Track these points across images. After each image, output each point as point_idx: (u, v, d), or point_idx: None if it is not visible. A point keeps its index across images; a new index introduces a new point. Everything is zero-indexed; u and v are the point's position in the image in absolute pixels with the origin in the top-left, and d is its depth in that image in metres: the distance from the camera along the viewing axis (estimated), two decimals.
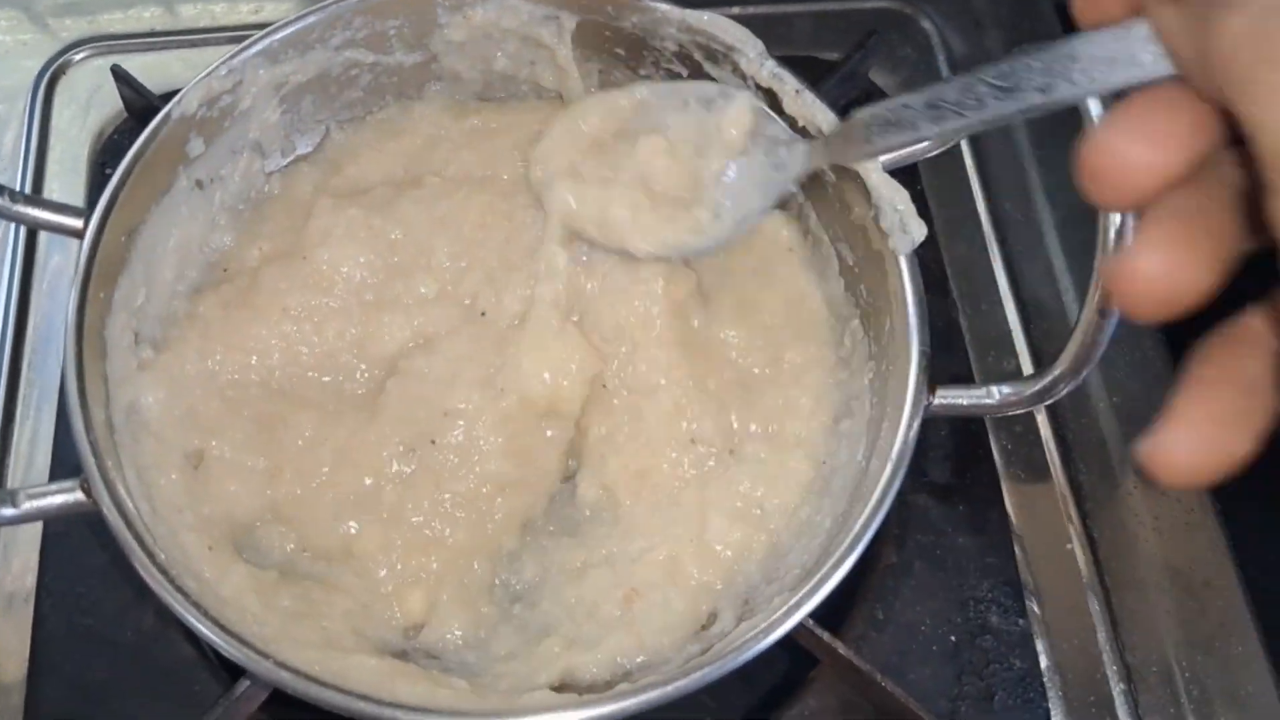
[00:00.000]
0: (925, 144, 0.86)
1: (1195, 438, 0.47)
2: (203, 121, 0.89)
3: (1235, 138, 0.47)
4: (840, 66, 1.11)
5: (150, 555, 0.73)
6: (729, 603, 0.84)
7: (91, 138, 1.17)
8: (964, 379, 1.03)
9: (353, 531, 0.86)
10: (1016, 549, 0.98)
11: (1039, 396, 0.78)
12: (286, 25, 0.91)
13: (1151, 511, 0.99)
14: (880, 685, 0.85)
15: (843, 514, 0.81)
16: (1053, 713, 0.92)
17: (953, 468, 1.00)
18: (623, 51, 0.96)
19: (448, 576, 0.85)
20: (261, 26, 0.92)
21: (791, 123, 0.89)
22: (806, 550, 0.83)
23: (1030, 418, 1.04)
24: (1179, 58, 0.48)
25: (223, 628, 0.72)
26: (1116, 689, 0.94)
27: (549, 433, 0.90)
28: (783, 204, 0.97)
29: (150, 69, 1.15)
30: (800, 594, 0.74)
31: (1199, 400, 0.48)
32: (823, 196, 0.92)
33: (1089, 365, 0.73)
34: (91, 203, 0.84)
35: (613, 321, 0.91)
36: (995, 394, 0.80)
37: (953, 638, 0.93)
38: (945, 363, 1.05)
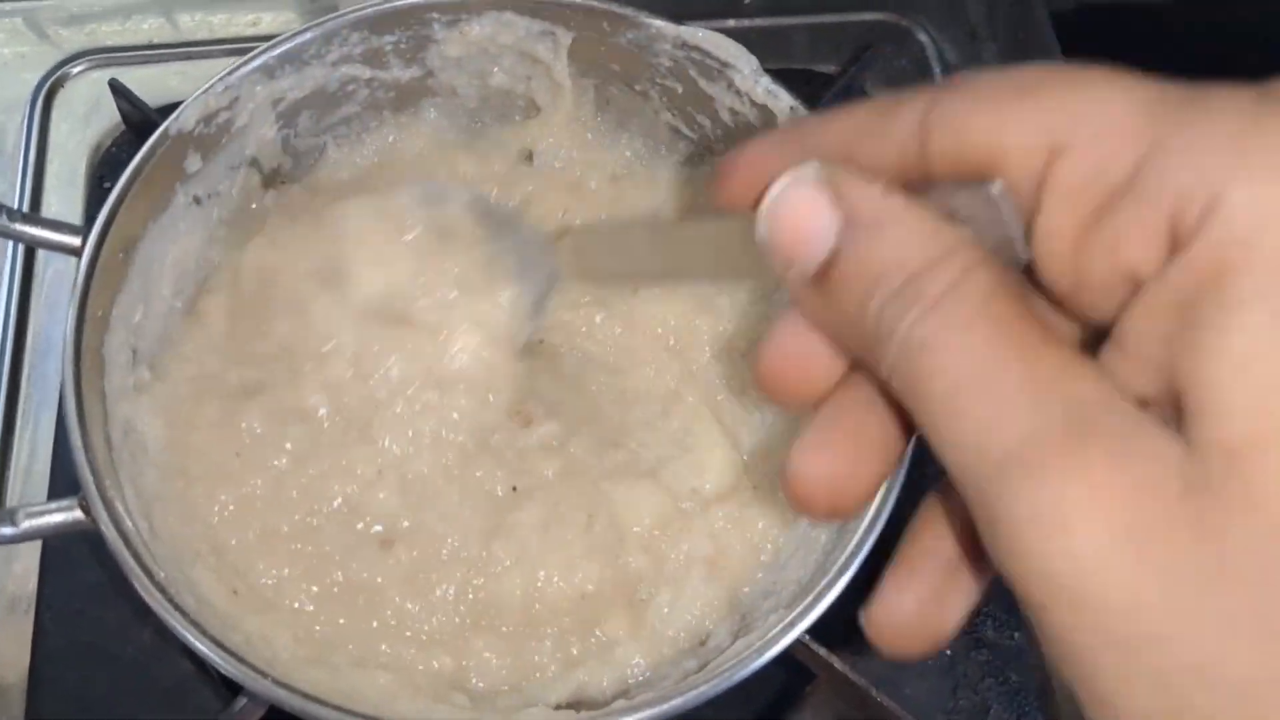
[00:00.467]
0: None
1: (907, 613, 0.50)
2: (200, 138, 0.89)
3: None
4: (837, 80, 1.12)
5: (149, 573, 0.73)
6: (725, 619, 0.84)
7: (89, 150, 1.17)
8: None
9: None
10: None
11: None
12: (284, 41, 0.91)
13: None
14: (876, 700, 0.85)
15: (839, 529, 0.82)
16: None
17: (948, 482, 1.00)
18: (618, 67, 0.97)
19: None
20: (260, 39, 0.93)
21: None
22: (803, 565, 0.83)
23: None
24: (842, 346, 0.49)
25: (221, 646, 0.72)
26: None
27: None
28: None
29: (148, 81, 1.15)
30: (797, 611, 0.74)
31: (907, 579, 0.50)
32: None
33: None
34: (89, 217, 0.85)
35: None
36: None
37: (948, 652, 0.94)
38: None
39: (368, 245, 0.88)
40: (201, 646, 0.71)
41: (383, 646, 0.82)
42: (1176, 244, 0.38)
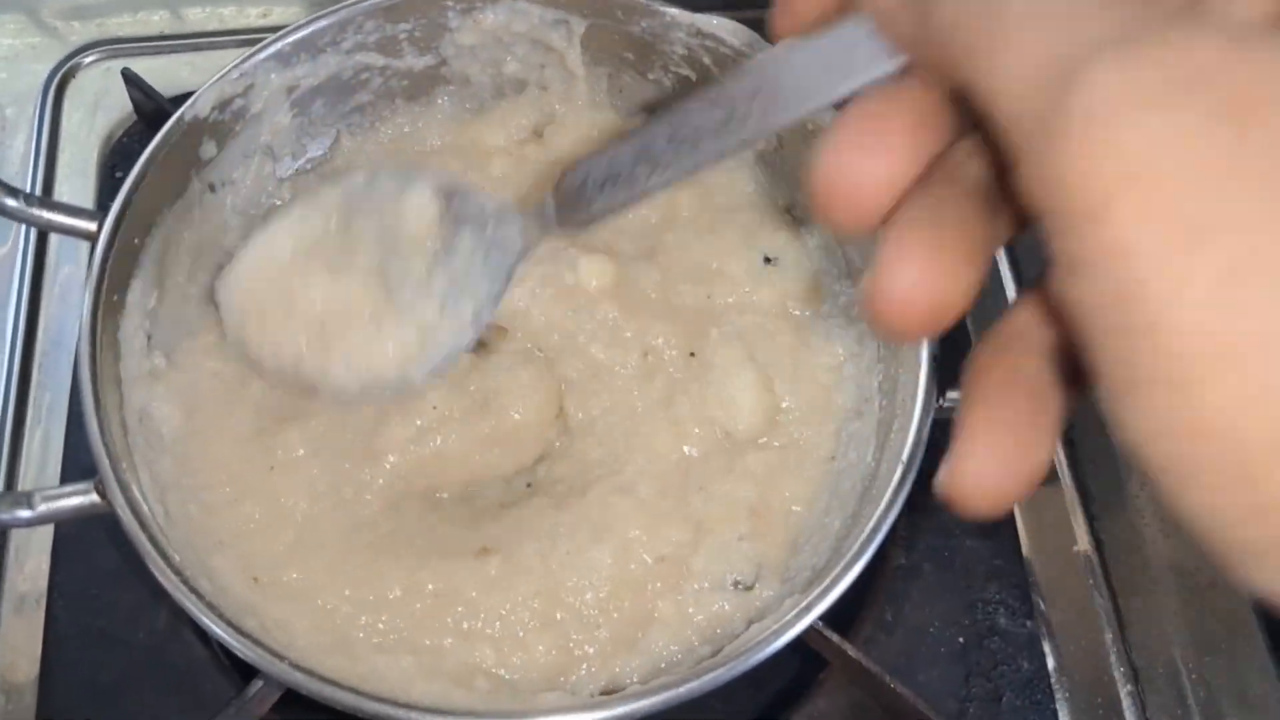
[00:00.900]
0: None
1: (993, 457, 0.44)
2: (215, 125, 0.90)
3: (969, 126, 0.45)
4: None
5: (165, 558, 0.73)
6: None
7: (101, 141, 1.17)
8: None
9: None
10: (1024, 551, 0.98)
11: None
12: (299, 29, 0.92)
13: (1158, 513, 0.99)
14: (889, 687, 0.85)
15: (852, 515, 0.82)
16: (1060, 713, 0.92)
17: None
18: (631, 55, 0.97)
19: None
20: (269, 30, 0.93)
21: (800, 126, 0.89)
22: (816, 552, 0.83)
23: None
24: (901, 45, 0.45)
25: (236, 629, 0.72)
26: (1124, 690, 0.94)
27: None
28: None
29: (158, 72, 1.15)
30: (811, 596, 0.74)
31: (985, 417, 0.44)
32: None
33: None
34: (101, 205, 0.85)
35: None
36: None
37: (961, 639, 0.94)
38: (955, 364, 1.05)
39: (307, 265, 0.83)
40: (217, 629, 0.72)
41: (425, 641, 0.82)
42: None
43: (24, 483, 1.00)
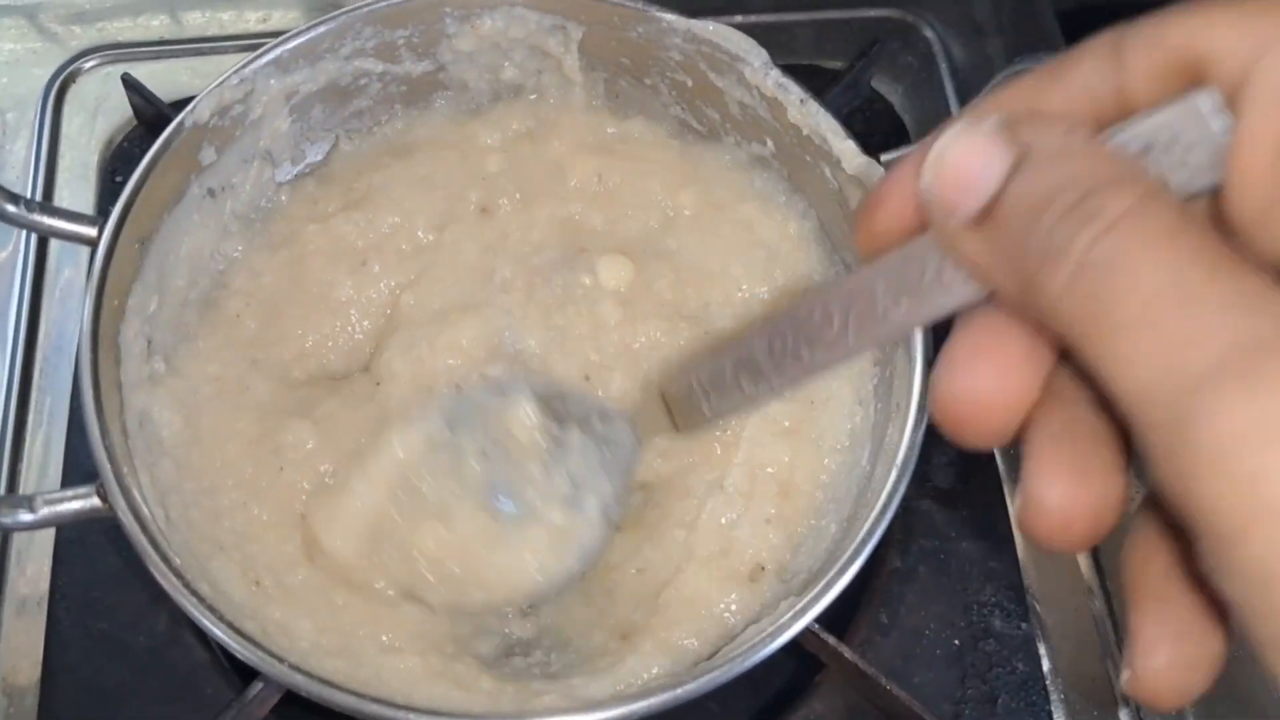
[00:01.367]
0: None
1: (1067, 489, 0.45)
2: (215, 130, 0.90)
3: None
4: (843, 75, 1.12)
5: (166, 560, 0.74)
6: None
7: (101, 146, 1.18)
8: None
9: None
10: (1019, 554, 0.99)
11: None
12: (298, 35, 0.92)
13: (1144, 506, 0.99)
14: (885, 689, 0.85)
15: (848, 519, 0.82)
16: (1055, 715, 0.93)
17: (956, 473, 1.01)
18: (628, 61, 0.97)
19: None
20: (269, 35, 0.94)
21: (796, 132, 0.90)
22: (813, 555, 0.84)
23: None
24: (1004, 302, 0.46)
25: (239, 632, 0.73)
26: (1119, 692, 0.95)
27: None
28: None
29: (158, 77, 1.16)
30: (806, 599, 0.75)
31: (1054, 455, 0.46)
32: (826, 201, 0.93)
33: None
34: (102, 210, 0.85)
35: None
36: None
37: (956, 642, 0.94)
38: None
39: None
40: (217, 631, 0.72)
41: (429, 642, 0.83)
42: None
43: (25, 486, 1.00)
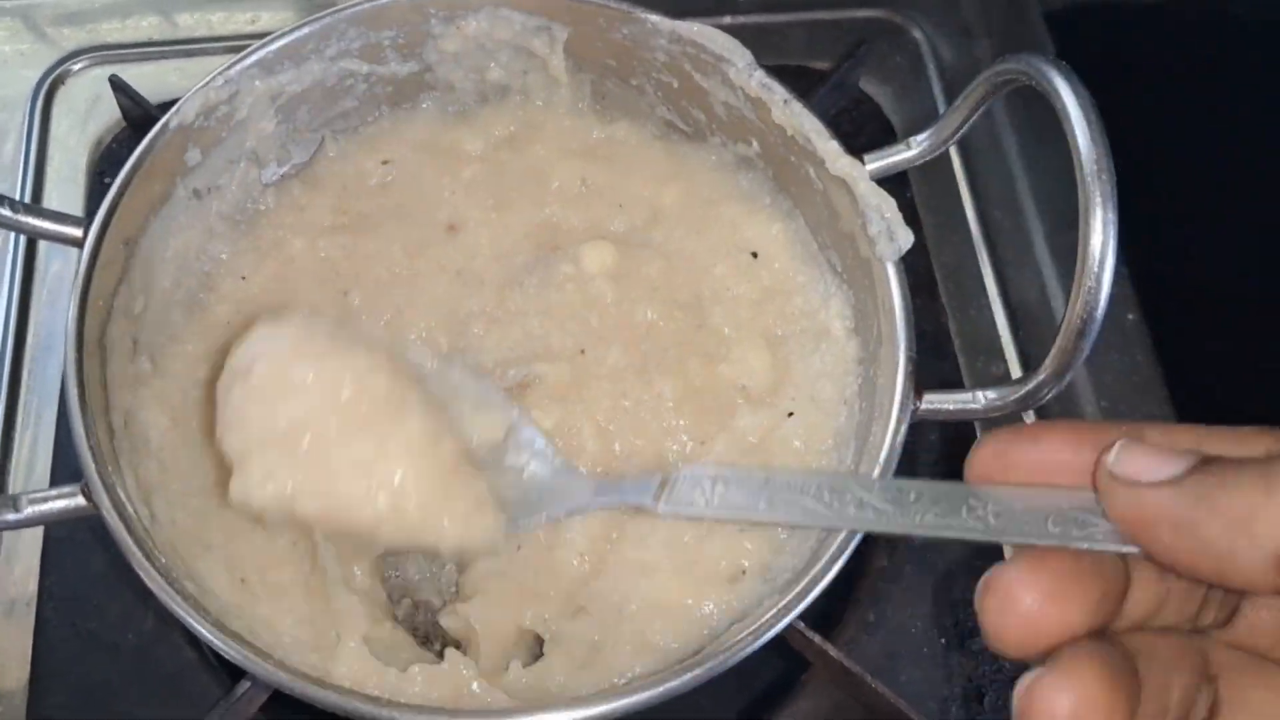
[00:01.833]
0: (914, 152, 0.87)
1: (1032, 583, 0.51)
2: (200, 131, 0.90)
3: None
4: (830, 76, 1.12)
5: (150, 559, 0.74)
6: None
7: (90, 147, 1.18)
8: (953, 384, 1.03)
9: None
10: (1006, 553, 0.99)
11: (1024, 401, 0.79)
12: (282, 36, 0.92)
13: None
14: (871, 687, 0.86)
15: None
16: None
17: (943, 473, 1.01)
18: (614, 62, 0.98)
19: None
20: (258, 36, 0.93)
21: (781, 132, 0.90)
22: (797, 553, 0.84)
23: (1019, 421, 1.05)
24: (1156, 557, 0.50)
25: (223, 629, 0.73)
26: None
27: None
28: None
29: (148, 78, 1.16)
30: (790, 596, 0.75)
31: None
32: (811, 202, 0.93)
33: (1072, 369, 0.74)
34: (90, 211, 0.85)
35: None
36: (980, 399, 0.81)
37: (943, 640, 0.94)
38: (935, 367, 1.06)
39: None
40: (201, 629, 0.72)
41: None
42: None
43: (14, 486, 1.01)
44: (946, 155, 1.18)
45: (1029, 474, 0.56)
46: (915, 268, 0.87)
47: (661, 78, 0.97)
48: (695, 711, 0.90)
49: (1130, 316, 1.07)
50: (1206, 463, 0.49)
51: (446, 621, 0.87)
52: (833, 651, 0.86)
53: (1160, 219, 1.03)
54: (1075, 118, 0.71)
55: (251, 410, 0.76)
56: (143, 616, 0.92)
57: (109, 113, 1.18)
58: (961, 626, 0.95)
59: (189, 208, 0.93)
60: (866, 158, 0.87)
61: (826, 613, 0.94)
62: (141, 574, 0.74)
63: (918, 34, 1.27)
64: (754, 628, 0.74)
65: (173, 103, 0.90)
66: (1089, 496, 0.54)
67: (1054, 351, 0.74)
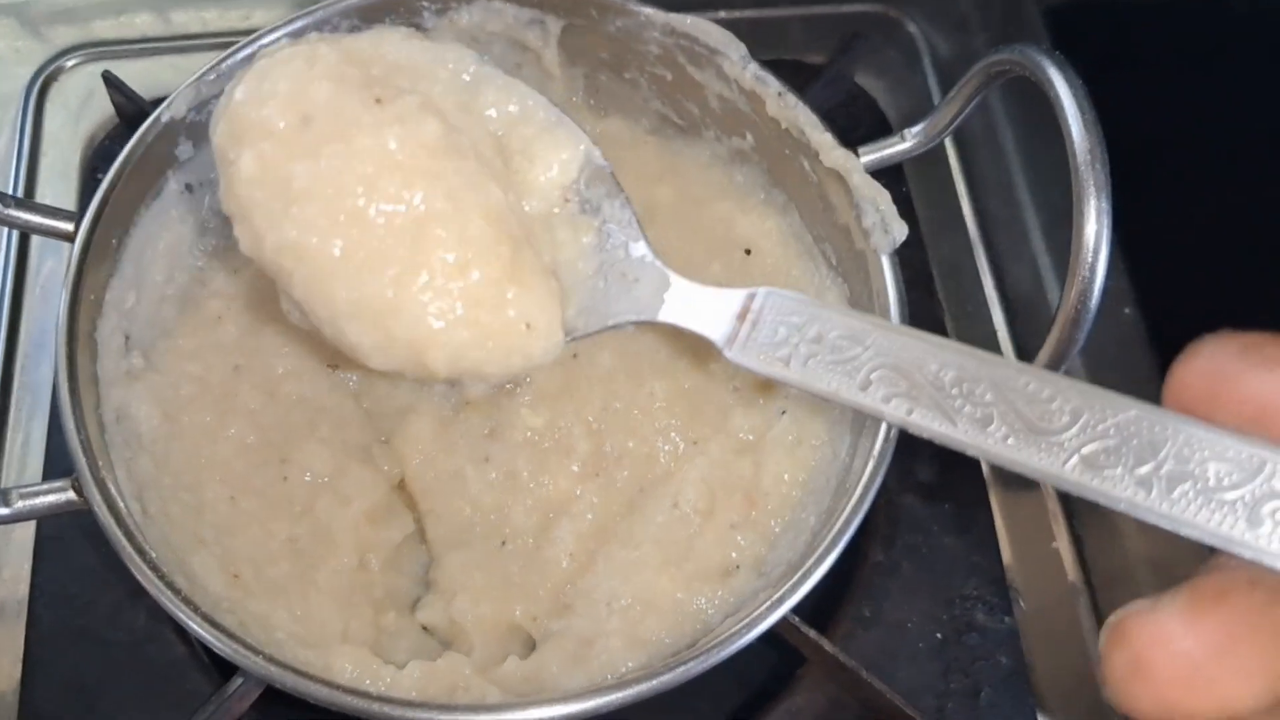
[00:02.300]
0: (908, 144, 0.87)
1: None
2: (192, 125, 0.90)
3: None
4: (825, 69, 1.12)
5: (141, 553, 0.74)
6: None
7: (83, 143, 1.18)
8: None
9: None
10: (1002, 547, 0.99)
11: None
12: (274, 30, 0.92)
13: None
14: (867, 682, 0.85)
15: (827, 511, 0.82)
16: (1038, 709, 0.93)
17: (939, 468, 1.01)
18: (607, 55, 0.97)
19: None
20: (251, 32, 0.93)
21: (775, 125, 0.90)
22: (792, 547, 0.83)
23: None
24: None
25: (214, 624, 0.72)
26: (1103, 686, 0.94)
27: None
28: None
29: (142, 75, 1.16)
30: (783, 589, 0.75)
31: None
32: (805, 196, 0.93)
33: (1067, 360, 0.74)
34: (83, 207, 0.85)
35: None
36: None
37: (939, 635, 0.94)
38: None
39: None
40: (192, 623, 0.72)
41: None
42: None
43: (5, 481, 1.01)
44: (942, 148, 1.19)
45: (1255, 416, 0.41)
46: (911, 261, 0.87)
47: (655, 71, 0.97)
48: (691, 707, 0.90)
49: (1126, 310, 1.06)
50: None
51: (424, 615, 0.87)
52: (828, 647, 0.86)
53: (1158, 213, 1.02)
54: (1069, 108, 0.70)
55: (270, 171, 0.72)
56: (134, 613, 0.92)
57: (102, 109, 1.17)
58: (958, 622, 0.94)
59: (181, 202, 0.92)
60: (861, 150, 0.87)
61: (822, 608, 0.93)
62: (131, 568, 0.74)
63: (913, 28, 1.27)
64: (747, 620, 0.74)
65: (166, 99, 0.90)
66: None
67: (1049, 342, 0.74)
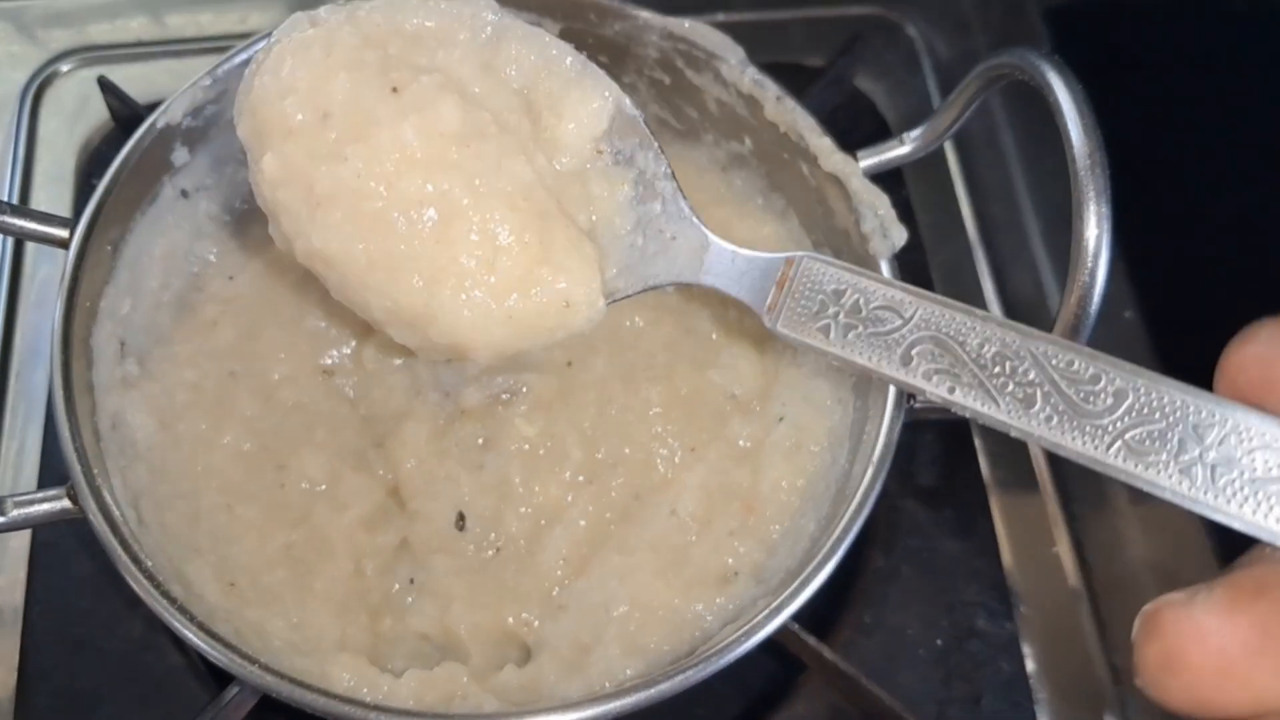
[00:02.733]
0: (908, 148, 0.86)
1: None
2: (188, 131, 0.90)
3: None
4: (824, 72, 1.12)
5: (136, 561, 0.73)
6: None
7: (78, 148, 1.17)
8: None
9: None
10: (1003, 553, 0.98)
11: None
12: (270, 35, 0.91)
13: (1138, 513, 0.99)
14: (867, 689, 0.85)
15: (826, 517, 0.82)
16: (1040, 715, 0.92)
17: (940, 473, 1.00)
18: (606, 59, 0.97)
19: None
20: (247, 36, 0.93)
21: (774, 129, 0.89)
22: (791, 554, 0.83)
23: None
24: None
25: (210, 633, 0.72)
26: (1105, 691, 0.94)
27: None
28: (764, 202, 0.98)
29: (137, 79, 1.16)
30: (783, 596, 0.74)
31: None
32: (804, 200, 0.93)
33: None
34: (78, 212, 0.85)
35: None
36: None
37: (940, 642, 0.94)
38: None
39: None
40: (188, 632, 0.72)
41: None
42: None
43: (0, 490, 1.00)
44: (942, 152, 1.18)
45: None
46: (911, 265, 0.87)
47: (654, 75, 0.96)
48: (691, 715, 0.90)
49: (1127, 314, 1.06)
50: None
51: (415, 621, 0.86)
52: (828, 654, 0.85)
53: (1158, 216, 1.02)
54: (1068, 111, 0.70)
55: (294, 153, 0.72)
56: (130, 622, 0.91)
57: (97, 114, 1.17)
58: (959, 628, 0.94)
59: (177, 208, 0.92)
60: (860, 154, 0.86)
61: (822, 615, 0.93)
62: (127, 577, 0.73)
63: (912, 31, 1.27)
64: (746, 627, 0.74)
65: (162, 103, 0.89)
66: None
67: None
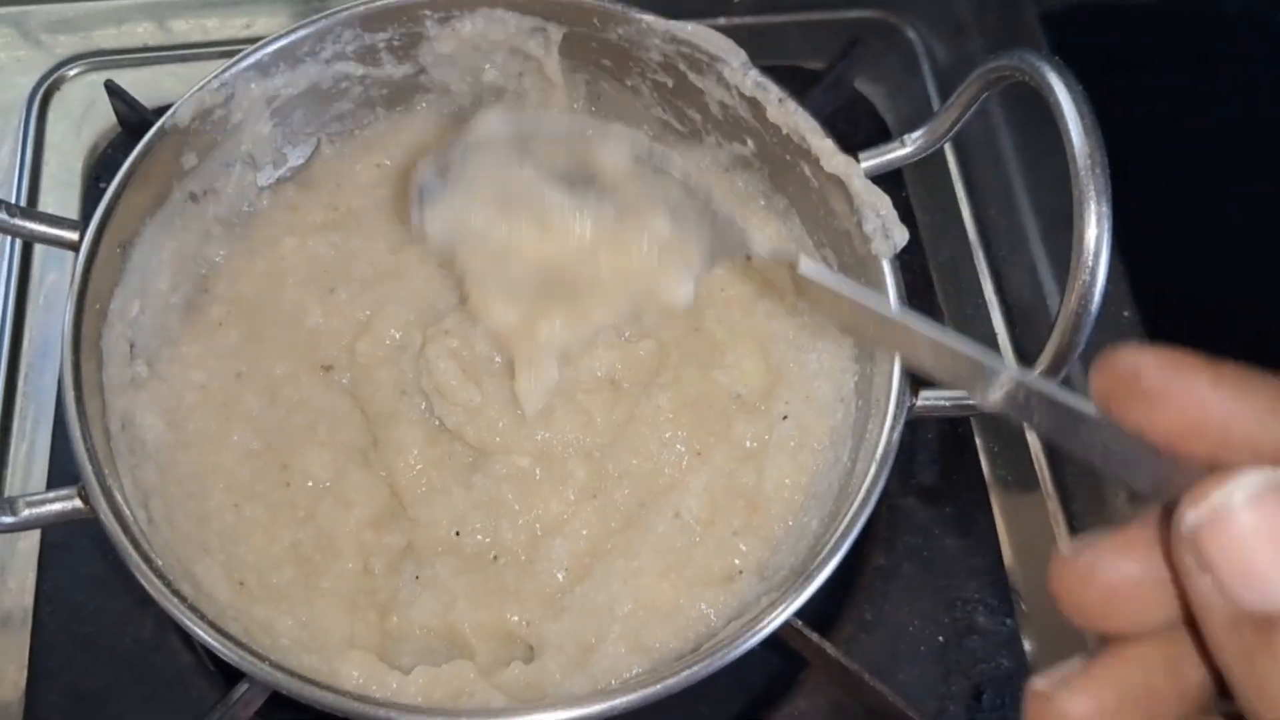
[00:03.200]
0: (908, 150, 0.87)
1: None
2: (196, 134, 0.91)
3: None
4: (825, 75, 1.13)
5: (148, 561, 0.74)
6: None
7: (85, 152, 1.18)
8: None
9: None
10: (1003, 550, 0.99)
11: None
12: (278, 39, 0.92)
13: (1137, 513, 0.99)
14: (869, 685, 0.86)
15: (829, 515, 0.82)
16: None
17: (940, 471, 1.01)
18: (609, 62, 0.98)
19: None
20: (253, 41, 0.94)
21: (776, 131, 0.90)
22: (794, 551, 0.84)
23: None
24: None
25: (220, 631, 0.73)
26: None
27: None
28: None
29: (143, 84, 1.16)
30: (786, 593, 0.75)
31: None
32: (806, 201, 0.93)
33: (1067, 364, 0.74)
34: (86, 216, 0.85)
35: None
36: None
37: (940, 638, 0.94)
38: None
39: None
40: (199, 630, 0.72)
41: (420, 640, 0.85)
42: None
43: (10, 490, 1.00)
44: (942, 154, 1.19)
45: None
46: (911, 265, 0.88)
47: (656, 78, 0.97)
48: (694, 712, 0.91)
49: (1126, 314, 1.07)
50: None
51: (419, 616, 0.86)
52: (830, 650, 0.86)
53: (1156, 217, 1.03)
54: (1068, 112, 0.71)
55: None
56: (140, 621, 0.92)
57: (104, 118, 1.18)
58: (959, 624, 0.94)
59: (185, 211, 0.93)
60: (861, 155, 0.87)
61: (824, 611, 0.94)
62: (137, 575, 0.74)
63: (912, 33, 1.28)
64: (750, 624, 0.74)
65: (168, 107, 0.90)
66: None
67: (1049, 346, 0.75)
